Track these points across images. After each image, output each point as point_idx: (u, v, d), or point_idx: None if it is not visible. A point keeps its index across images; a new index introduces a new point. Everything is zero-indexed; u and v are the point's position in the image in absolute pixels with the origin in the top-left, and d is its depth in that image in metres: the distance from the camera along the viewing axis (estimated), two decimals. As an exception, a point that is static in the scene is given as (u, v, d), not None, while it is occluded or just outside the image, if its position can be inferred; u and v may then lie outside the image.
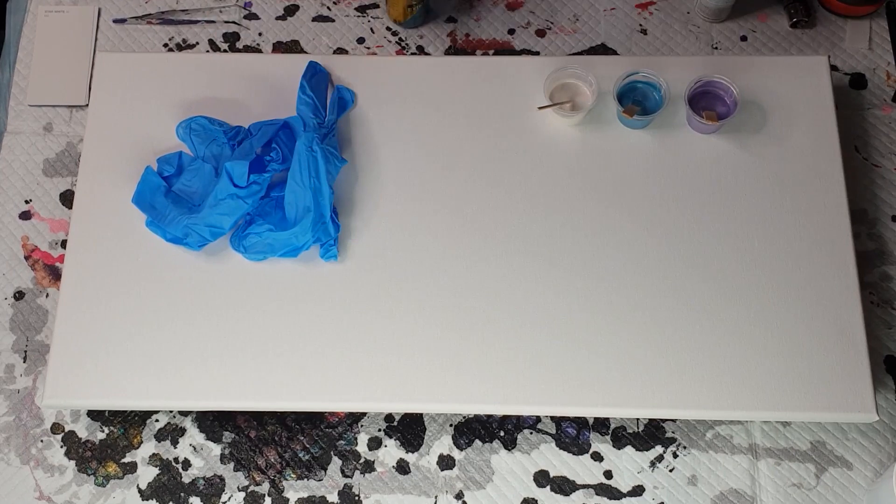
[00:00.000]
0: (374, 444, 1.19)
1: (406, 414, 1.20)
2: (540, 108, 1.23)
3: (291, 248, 1.16)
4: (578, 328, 1.14)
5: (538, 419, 1.19)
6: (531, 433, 1.19)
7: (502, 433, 1.19)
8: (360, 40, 1.41)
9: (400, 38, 1.41)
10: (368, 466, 1.17)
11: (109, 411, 1.20)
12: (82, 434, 1.20)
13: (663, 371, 1.12)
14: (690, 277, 1.16)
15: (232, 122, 1.23)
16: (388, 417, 1.20)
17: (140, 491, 1.17)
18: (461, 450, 1.18)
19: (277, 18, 1.43)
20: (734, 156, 1.22)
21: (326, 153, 1.18)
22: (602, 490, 1.16)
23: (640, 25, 1.41)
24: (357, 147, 1.24)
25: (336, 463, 1.18)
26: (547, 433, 1.18)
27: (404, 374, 1.12)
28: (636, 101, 1.23)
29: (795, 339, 1.13)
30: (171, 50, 1.41)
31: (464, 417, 1.20)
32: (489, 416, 1.19)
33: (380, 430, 1.19)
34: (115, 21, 1.42)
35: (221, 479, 1.17)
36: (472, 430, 1.19)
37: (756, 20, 1.41)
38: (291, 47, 1.41)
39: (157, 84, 1.28)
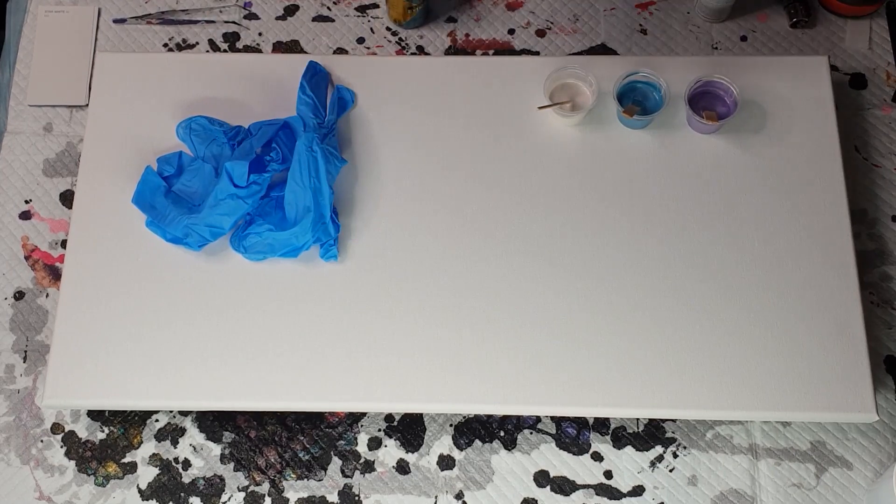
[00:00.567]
0: (374, 444, 1.19)
1: (406, 414, 1.20)
2: (540, 108, 1.23)
3: (291, 248, 1.16)
4: (578, 328, 1.14)
5: (538, 419, 1.19)
6: (531, 433, 1.19)
7: (502, 433, 1.19)
8: (360, 40, 1.41)
9: (400, 38, 1.41)
10: (368, 466, 1.17)
11: (109, 411, 1.20)
12: (82, 434, 1.20)
13: (663, 371, 1.12)
14: (690, 277, 1.16)
15: (232, 122, 1.23)
16: (388, 417, 1.20)
17: (140, 491, 1.17)
18: (461, 450, 1.18)
19: (277, 18, 1.43)
20: (734, 156, 1.22)
21: (326, 153, 1.18)
22: (602, 490, 1.16)
23: (640, 25, 1.41)
24: (357, 147, 1.24)
25: (336, 463, 1.18)
26: (547, 433, 1.18)
27: (404, 374, 1.12)
28: (636, 101, 1.23)
29: (795, 339, 1.13)
30: (171, 50, 1.41)
31: (464, 417, 1.20)
32: (489, 416, 1.19)
33: (380, 430, 1.19)
34: (115, 21, 1.42)
35: (221, 479, 1.17)
36: (472, 430, 1.19)
37: (756, 20, 1.41)
38: (291, 47, 1.41)
39: (157, 84, 1.28)
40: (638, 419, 1.19)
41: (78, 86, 1.38)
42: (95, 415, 1.20)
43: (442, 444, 1.18)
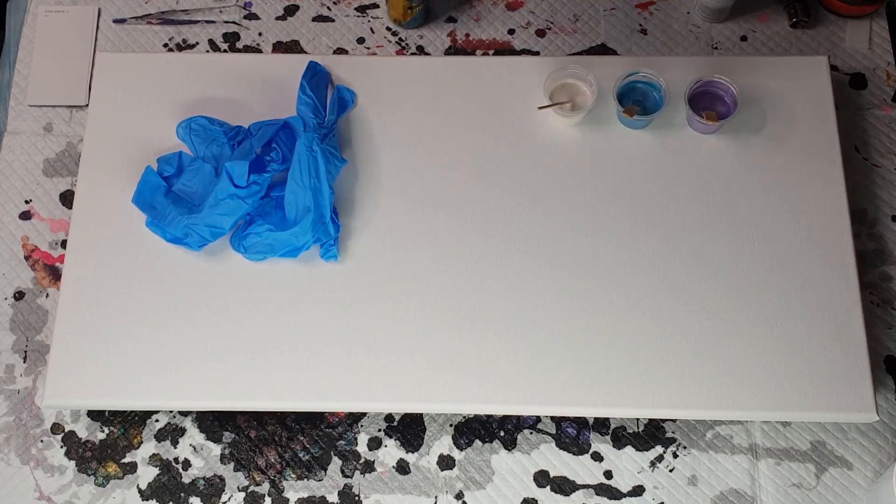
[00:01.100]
0: (374, 444, 1.19)
1: (406, 414, 1.20)
2: (540, 108, 1.23)
3: (291, 248, 1.16)
4: (578, 328, 1.14)
5: (538, 419, 1.19)
6: (531, 433, 1.19)
7: (502, 433, 1.19)
8: (360, 40, 1.41)
9: (400, 38, 1.41)
10: (368, 466, 1.17)
11: (109, 411, 1.20)
12: (82, 434, 1.20)
13: (663, 371, 1.12)
14: (690, 277, 1.16)
15: (232, 122, 1.23)
16: (388, 417, 1.20)
17: (140, 491, 1.17)
18: (461, 450, 1.18)
19: (277, 18, 1.43)
20: (734, 156, 1.22)
21: (326, 153, 1.18)
22: (602, 490, 1.16)
23: (640, 25, 1.41)
24: (357, 147, 1.24)
25: (336, 463, 1.18)
26: (547, 433, 1.18)
27: (404, 374, 1.12)
28: (636, 101, 1.23)
29: (795, 339, 1.13)
30: (171, 50, 1.41)
31: (464, 417, 1.20)
32: (489, 416, 1.19)
33: (380, 430, 1.19)
34: (115, 21, 1.42)
35: (221, 479, 1.17)
36: (472, 430, 1.19)
37: (756, 20, 1.41)
38: (291, 47, 1.41)
39: (157, 84, 1.28)
40: (638, 419, 1.19)
41: (78, 86, 1.38)
42: (95, 415, 1.20)
43: (442, 444, 1.18)
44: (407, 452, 1.18)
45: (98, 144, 1.25)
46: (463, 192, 1.21)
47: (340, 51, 1.40)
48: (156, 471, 1.18)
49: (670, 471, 1.16)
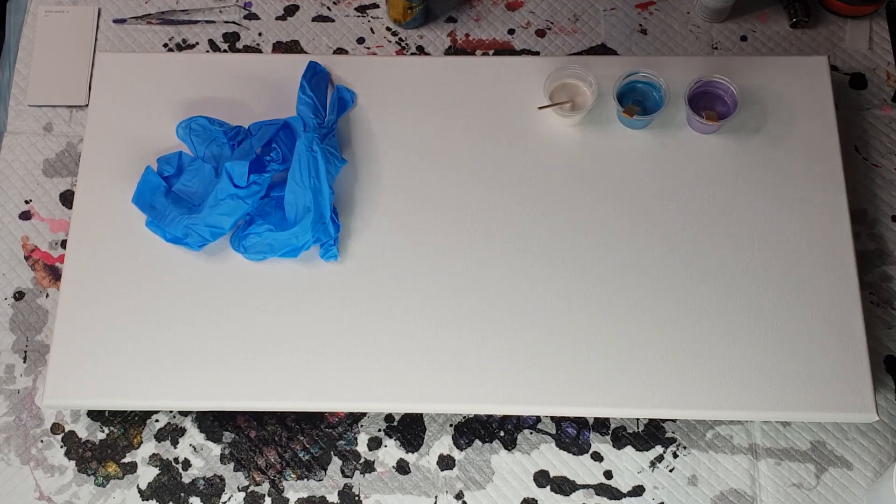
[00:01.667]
0: (374, 444, 1.19)
1: (406, 414, 1.20)
2: (540, 108, 1.23)
3: (291, 248, 1.16)
4: (578, 328, 1.14)
5: (538, 419, 1.19)
6: (531, 433, 1.19)
7: (502, 433, 1.19)
8: (360, 40, 1.41)
9: (400, 39, 1.41)
10: (368, 466, 1.17)
11: (109, 411, 1.20)
12: (82, 434, 1.20)
13: (663, 371, 1.12)
14: (690, 277, 1.16)
15: (232, 122, 1.23)
16: (388, 417, 1.20)
17: (140, 491, 1.17)
18: (461, 450, 1.18)
19: (277, 18, 1.43)
20: (734, 156, 1.22)
21: (326, 153, 1.18)
22: (602, 490, 1.16)
23: (640, 25, 1.41)
24: (357, 147, 1.24)
25: (336, 463, 1.18)
26: (547, 433, 1.18)
27: (404, 374, 1.12)
28: (636, 101, 1.23)
29: (795, 339, 1.13)
30: (171, 50, 1.41)
31: (464, 417, 1.20)
32: (489, 416, 1.19)
33: (380, 430, 1.19)
34: (115, 21, 1.42)
35: (221, 479, 1.17)
36: (472, 430, 1.19)
37: (756, 20, 1.41)
38: (291, 47, 1.41)
39: (157, 84, 1.28)
40: (638, 419, 1.19)
41: (78, 86, 1.38)
42: (95, 415, 1.20)
43: (442, 444, 1.18)
44: (407, 452, 1.18)
45: (98, 144, 1.25)
46: (463, 192, 1.21)
47: (340, 51, 1.40)
48: (156, 471, 1.18)
49: (670, 471, 1.16)
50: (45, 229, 1.30)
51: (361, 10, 1.43)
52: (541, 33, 1.41)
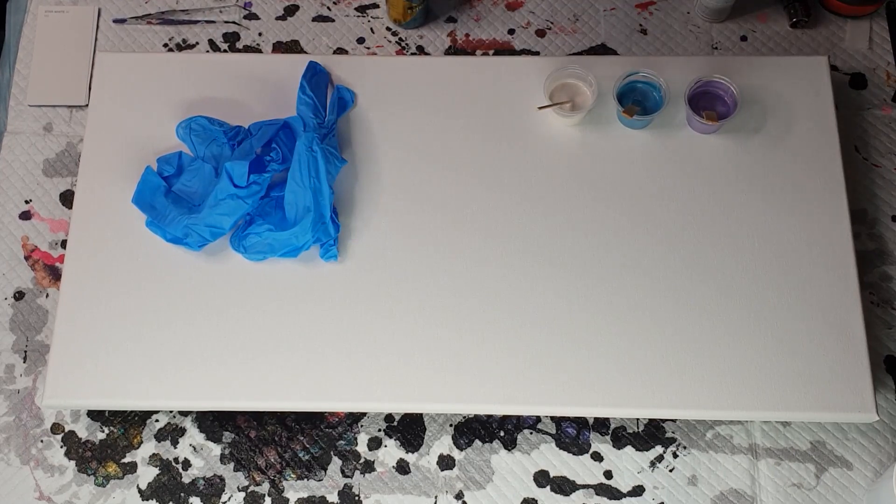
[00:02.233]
0: (374, 444, 1.19)
1: (406, 414, 1.20)
2: (540, 108, 1.23)
3: (291, 248, 1.16)
4: (578, 328, 1.14)
5: (538, 419, 1.19)
6: (531, 433, 1.19)
7: (502, 433, 1.19)
8: (360, 40, 1.41)
9: (400, 38, 1.41)
10: (368, 466, 1.17)
11: (109, 411, 1.20)
12: (82, 434, 1.20)
13: (663, 371, 1.12)
14: (690, 277, 1.16)
15: (232, 122, 1.23)
16: (388, 417, 1.20)
17: (140, 491, 1.17)
18: (461, 450, 1.18)
19: (277, 18, 1.43)
20: (734, 156, 1.22)
21: (326, 153, 1.18)
22: (602, 490, 1.16)
23: (640, 25, 1.41)
24: (357, 147, 1.24)
25: (336, 463, 1.18)
26: (547, 433, 1.18)
27: (404, 374, 1.12)
28: (636, 101, 1.23)
29: (795, 339, 1.13)
30: (171, 50, 1.41)
31: (464, 417, 1.20)
32: (489, 416, 1.19)
33: (380, 430, 1.19)
34: (115, 21, 1.42)
35: (221, 479, 1.17)
36: (472, 430, 1.19)
37: (756, 20, 1.41)
38: (291, 47, 1.41)
39: (157, 84, 1.28)
40: (638, 419, 1.19)
41: (78, 86, 1.38)
42: (95, 415, 1.20)
43: (442, 444, 1.18)
44: (407, 452, 1.18)
45: (98, 144, 1.25)
46: (463, 192, 1.21)
47: (340, 51, 1.40)
48: (156, 471, 1.18)
49: (670, 471, 1.16)
50: (45, 229, 1.30)
51: (361, 10, 1.43)
52: (541, 33, 1.41)
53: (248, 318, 1.15)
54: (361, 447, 1.18)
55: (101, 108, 1.27)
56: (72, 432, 1.20)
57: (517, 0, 1.43)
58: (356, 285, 1.17)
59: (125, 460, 1.18)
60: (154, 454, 1.18)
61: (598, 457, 1.17)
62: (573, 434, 1.18)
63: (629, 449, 1.17)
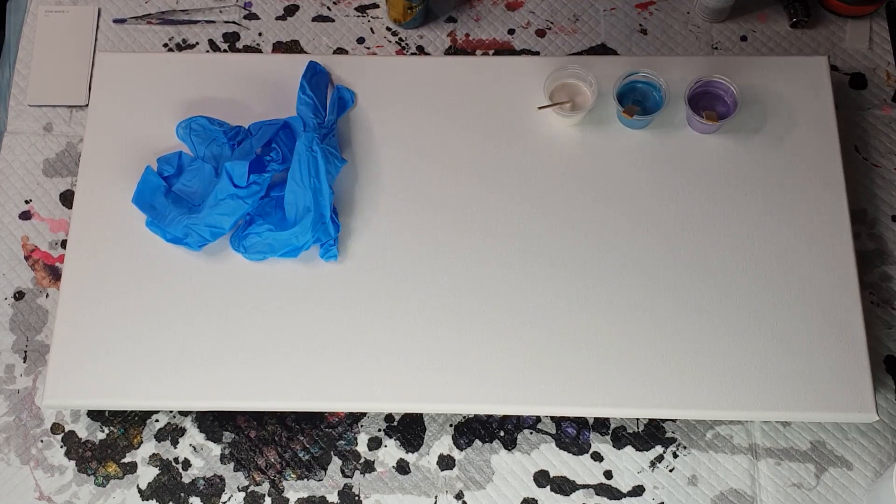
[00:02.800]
0: (374, 444, 1.19)
1: (406, 414, 1.20)
2: (540, 108, 1.23)
3: (291, 248, 1.16)
4: (578, 328, 1.14)
5: (538, 419, 1.19)
6: (531, 433, 1.19)
7: (502, 433, 1.19)
8: (360, 40, 1.41)
9: (400, 38, 1.41)
10: (368, 466, 1.17)
11: (109, 411, 1.20)
12: (82, 434, 1.20)
13: (663, 371, 1.12)
14: (690, 277, 1.16)
15: (232, 122, 1.23)
16: (388, 417, 1.20)
17: (140, 491, 1.17)
18: (461, 450, 1.18)
19: (277, 18, 1.43)
20: (734, 156, 1.22)
21: (326, 153, 1.18)
22: (602, 490, 1.16)
23: (640, 25, 1.41)
24: (357, 147, 1.24)
25: (336, 463, 1.18)
26: (547, 433, 1.18)
27: (404, 374, 1.12)
28: (636, 101, 1.23)
29: (795, 339, 1.13)
30: (171, 50, 1.41)
31: (464, 417, 1.20)
32: (489, 416, 1.19)
33: (380, 430, 1.19)
34: (115, 21, 1.42)
35: (221, 479, 1.17)
36: (472, 430, 1.19)
37: (756, 20, 1.41)
38: (291, 47, 1.41)
39: (157, 84, 1.28)
40: (638, 419, 1.19)
41: (78, 86, 1.38)
42: (95, 415, 1.20)
43: (442, 444, 1.18)
44: (407, 452, 1.18)
45: (98, 144, 1.25)
46: (463, 192, 1.21)
47: (340, 51, 1.40)
48: (156, 471, 1.18)
49: (670, 471, 1.16)
50: (45, 229, 1.30)
51: (361, 10, 1.43)
52: (541, 33, 1.41)
53: (248, 318, 1.15)
54: (361, 447, 1.18)
55: (101, 108, 1.27)
56: (72, 432, 1.20)
57: (517, 0, 1.43)
58: (356, 285, 1.17)
59: (125, 460, 1.18)
60: (154, 454, 1.18)
61: (598, 457, 1.17)
62: (573, 434, 1.18)
63: (629, 449, 1.17)
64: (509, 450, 1.18)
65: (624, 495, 1.15)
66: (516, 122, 1.24)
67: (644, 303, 1.15)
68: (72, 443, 1.19)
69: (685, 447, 1.17)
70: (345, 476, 1.17)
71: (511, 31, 1.41)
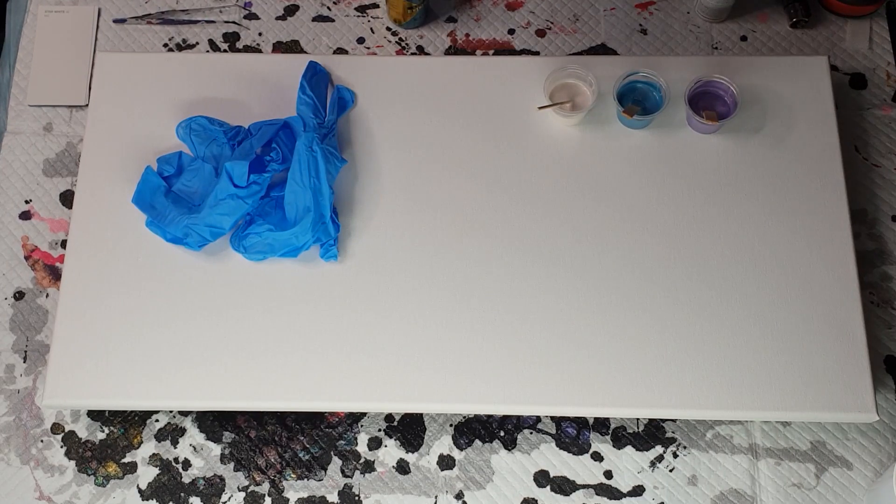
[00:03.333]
0: (374, 444, 1.19)
1: (406, 414, 1.20)
2: (540, 108, 1.23)
3: (291, 248, 1.16)
4: (578, 328, 1.14)
5: (538, 419, 1.19)
6: (531, 433, 1.19)
7: (502, 433, 1.19)
8: (360, 40, 1.41)
9: (400, 38, 1.41)
10: (368, 466, 1.17)
11: (109, 411, 1.20)
12: (82, 434, 1.20)
13: (663, 371, 1.12)
14: (690, 277, 1.16)
15: (232, 122, 1.23)
16: (388, 417, 1.20)
17: (140, 491, 1.17)
18: (461, 450, 1.18)
19: (277, 18, 1.43)
20: (734, 156, 1.22)
21: (326, 153, 1.18)
22: (602, 490, 1.16)
23: (640, 25, 1.41)
24: (357, 147, 1.24)
25: (336, 463, 1.18)
26: (547, 433, 1.18)
27: (404, 374, 1.12)
28: (636, 101, 1.23)
29: (795, 339, 1.13)
30: (171, 50, 1.41)
31: (464, 417, 1.20)
32: (489, 416, 1.19)
33: (380, 430, 1.19)
34: (115, 21, 1.42)
35: (221, 479, 1.17)
36: (472, 430, 1.19)
37: (756, 20, 1.41)
38: (291, 47, 1.41)
39: (157, 84, 1.28)
40: (638, 419, 1.19)
41: (78, 86, 1.38)
42: (95, 415, 1.20)
43: (442, 444, 1.18)
44: (407, 452, 1.18)
45: (98, 144, 1.25)
46: (463, 192, 1.21)
47: (340, 51, 1.40)
48: (156, 471, 1.18)
49: (670, 471, 1.16)
50: (45, 229, 1.30)
51: (361, 10, 1.43)
52: (541, 33, 1.41)
53: (248, 318, 1.15)
54: (361, 447, 1.18)
55: (101, 108, 1.27)
56: (72, 432, 1.20)
57: (517, 0, 1.43)
58: (356, 285, 1.17)
59: (125, 460, 1.18)
60: (154, 454, 1.18)
61: (598, 457, 1.17)
62: (573, 434, 1.18)
63: (629, 449, 1.17)
64: (509, 450, 1.18)
65: (624, 495, 1.15)
66: (516, 122, 1.24)
67: (644, 302, 1.15)
68: (72, 443, 1.19)
69: (685, 447, 1.17)
70: (345, 476, 1.17)
71: (511, 31, 1.41)
